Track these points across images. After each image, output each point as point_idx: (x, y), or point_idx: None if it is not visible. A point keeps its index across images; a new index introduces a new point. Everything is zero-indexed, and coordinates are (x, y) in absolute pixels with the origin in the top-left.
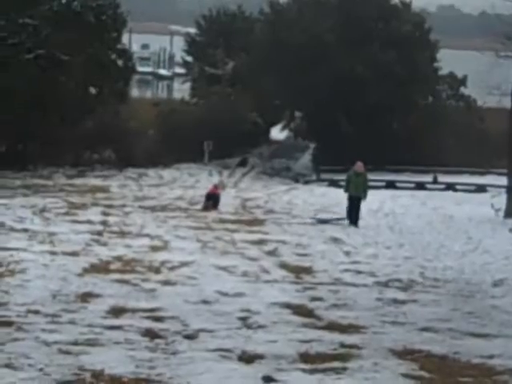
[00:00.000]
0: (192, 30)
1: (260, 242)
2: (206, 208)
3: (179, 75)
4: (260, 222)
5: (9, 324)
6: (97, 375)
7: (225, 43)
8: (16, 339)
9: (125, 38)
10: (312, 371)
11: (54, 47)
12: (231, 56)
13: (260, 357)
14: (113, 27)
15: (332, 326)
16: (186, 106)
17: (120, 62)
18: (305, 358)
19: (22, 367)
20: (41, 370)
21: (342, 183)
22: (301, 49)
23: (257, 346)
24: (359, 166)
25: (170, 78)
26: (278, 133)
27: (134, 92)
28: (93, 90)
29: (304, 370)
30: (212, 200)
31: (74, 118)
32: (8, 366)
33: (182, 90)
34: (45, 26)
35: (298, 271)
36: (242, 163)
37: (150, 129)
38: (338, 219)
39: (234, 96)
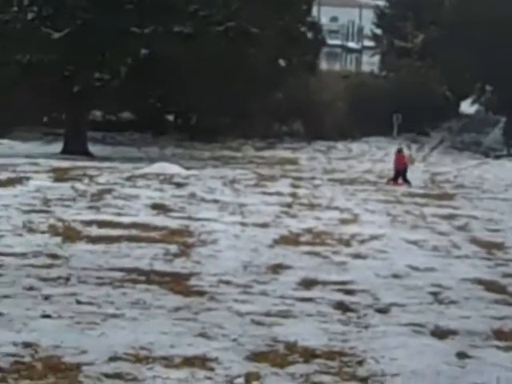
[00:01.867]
0: (381, 3)
1: (450, 217)
2: (391, 182)
3: (368, 48)
4: (450, 197)
5: (202, 294)
6: (290, 347)
7: (414, 16)
8: (209, 309)
9: (314, 11)
10: (507, 348)
11: (244, 20)
12: (421, 29)
13: (453, 333)
14: (303, 0)
15: None
16: (374, 78)
17: (310, 35)
18: (499, 335)
19: (216, 337)
20: (234, 340)
21: None
22: (491, 22)
23: (449, 322)
24: None
25: (359, 51)
26: (467, 106)
27: (323, 65)
28: (282, 63)
29: (498, 347)
30: (401, 175)
31: (264, 91)
32: (202, 335)
33: (370, 63)
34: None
35: (490, 247)
36: (422, 133)
37: (339, 101)
38: None
39: (424, 69)
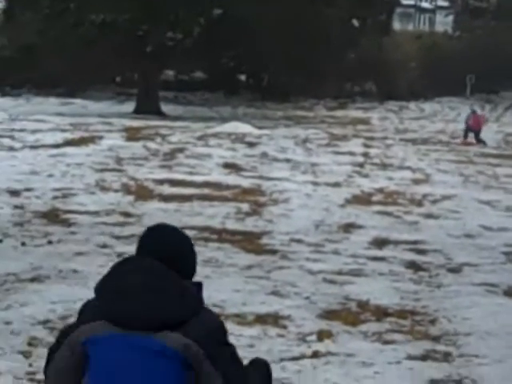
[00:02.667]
0: None
1: None
2: (465, 142)
3: (441, 8)
4: None
5: (274, 252)
6: (362, 305)
7: None
8: (281, 267)
9: None
10: None
11: None
12: None
13: None
14: None
15: None
16: (448, 39)
17: None
18: None
19: (288, 295)
20: (307, 298)
21: None
22: None
23: None
24: None
25: (432, 11)
26: None
27: (396, 25)
28: (356, 23)
29: None
30: (474, 133)
31: (337, 51)
32: (275, 293)
33: (443, 23)
34: None
35: None
36: (495, 93)
37: (412, 62)
38: None
39: (499, 30)
